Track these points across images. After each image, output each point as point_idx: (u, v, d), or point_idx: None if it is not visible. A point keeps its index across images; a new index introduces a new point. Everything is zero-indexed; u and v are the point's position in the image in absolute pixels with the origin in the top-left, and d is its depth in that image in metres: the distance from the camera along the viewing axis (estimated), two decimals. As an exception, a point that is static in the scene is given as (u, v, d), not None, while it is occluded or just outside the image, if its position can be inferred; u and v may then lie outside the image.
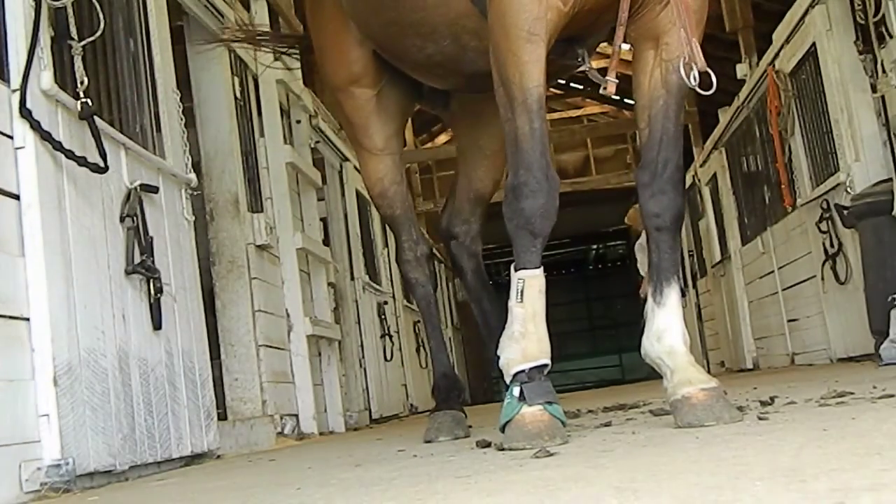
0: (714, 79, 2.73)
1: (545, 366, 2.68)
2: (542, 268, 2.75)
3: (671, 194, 2.82)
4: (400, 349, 10.36)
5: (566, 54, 3.08)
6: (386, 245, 10.77)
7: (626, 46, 3.00)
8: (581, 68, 3.14)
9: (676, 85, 2.82)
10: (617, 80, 3.00)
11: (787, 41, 7.98)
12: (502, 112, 2.85)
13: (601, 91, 3.09)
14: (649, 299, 2.84)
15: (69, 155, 3.25)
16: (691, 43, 2.70)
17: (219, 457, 4.39)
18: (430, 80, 3.86)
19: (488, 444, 2.83)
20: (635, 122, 3.05)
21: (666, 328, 2.78)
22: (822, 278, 7.85)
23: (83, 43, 3.49)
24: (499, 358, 2.76)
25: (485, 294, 4.05)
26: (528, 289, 2.71)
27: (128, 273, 3.67)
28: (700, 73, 2.70)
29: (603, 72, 2.96)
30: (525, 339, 2.68)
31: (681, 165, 2.88)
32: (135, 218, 3.75)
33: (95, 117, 3.46)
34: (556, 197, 2.76)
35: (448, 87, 3.90)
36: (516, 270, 2.75)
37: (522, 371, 2.65)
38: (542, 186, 2.72)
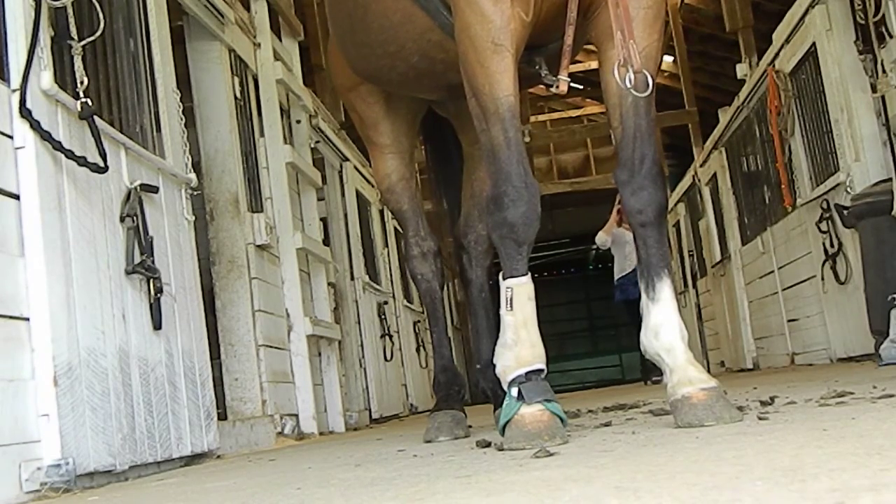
0: (651, 81, 2.75)
1: (540, 370, 2.69)
2: (529, 274, 2.77)
3: (651, 189, 2.83)
4: (400, 349, 10.36)
5: (528, 63, 3.10)
6: (386, 245, 10.78)
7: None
8: (545, 80, 3.16)
9: (644, 82, 2.82)
10: (569, 80, 3.02)
11: (787, 41, 7.99)
12: (476, 123, 2.88)
13: (553, 90, 3.10)
14: (643, 295, 2.85)
15: (69, 155, 3.25)
16: (628, 45, 2.71)
17: (219, 457, 4.39)
18: (414, 93, 3.90)
19: (488, 444, 2.83)
20: (608, 122, 3.06)
21: (662, 323, 2.78)
22: (822, 278, 7.86)
23: (83, 43, 3.49)
24: (496, 366, 2.78)
25: (482, 313, 4.04)
26: (517, 297, 2.73)
27: (128, 273, 3.67)
28: (636, 73, 2.72)
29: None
30: (518, 346, 2.70)
31: (658, 160, 2.88)
32: (135, 218, 3.75)
33: (95, 117, 3.47)
34: (537, 204, 2.77)
35: (434, 98, 3.95)
36: (504, 279, 2.77)
37: (519, 375, 2.66)
38: (521, 195, 2.74)
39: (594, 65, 13.40)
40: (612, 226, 11.27)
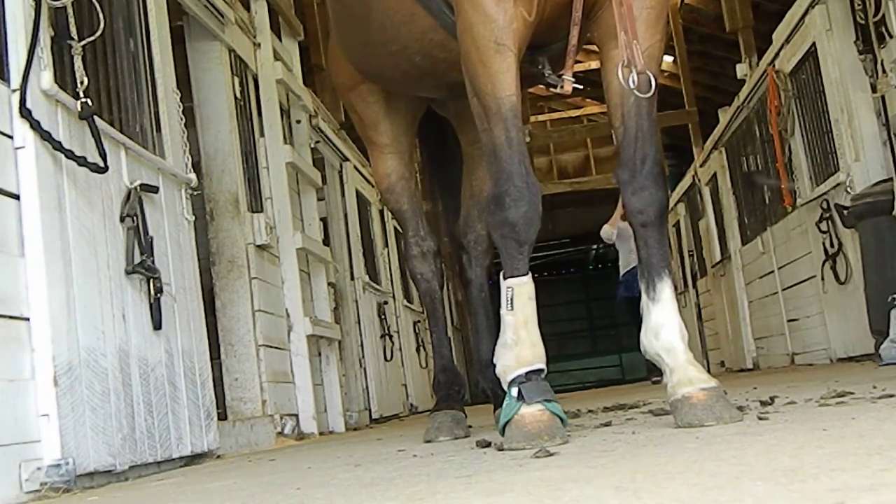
0: (654, 82, 2.76)
1: (541, 370, 2.69)
2: (529, 274, 2.77)
3: (652, 189, 2.83)
4: (400, 349, 10.36)
5: (531, 63, 3.10)
6: (386, 245, 10.77)
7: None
8: (549, 80, 3.16)
9: (647, 82, 2.82)
10: (574, 80, 3.02)
11: (787, 41, 7.99)
12: (478, 123, 2.88)
13: (558, 91, 3.10)
14: (643, 295, 2.85)
15: (69, 155, 3.25)
16: (632, 46, 2.72)
17: (219, 457, 4.39)
18: (416, 93, 3.90)
19: (488, 444, 2.83)
20: (609, 122, 3.06)
21: (663, 323, 2.79)
22: (822, 278, 7.86)
23: (83, 43, 3.49)
24: (496, 366, 2.78)
25: (482, 313, 4.04)
26: (518, 296, 2.74)
27: (128, 273, 3.67)
28: (639, 74, 2.72)
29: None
30: (518, 346, 2.70)
31: (659, 160, 2.89)
32: (135, 218, 3.75)
33: (95, 117, 3.47)
34: (538, 203, 2.77)
35: (435, 96, 3.95)
36: (505, 279, 2.77)
37: (519, 375, 2.66)
38: (523, 195, 2.74)
39: (594, 65, 13.41)
40: (616, 220, 11.16)
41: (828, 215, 7.44)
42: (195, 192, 4.73)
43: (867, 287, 6.31)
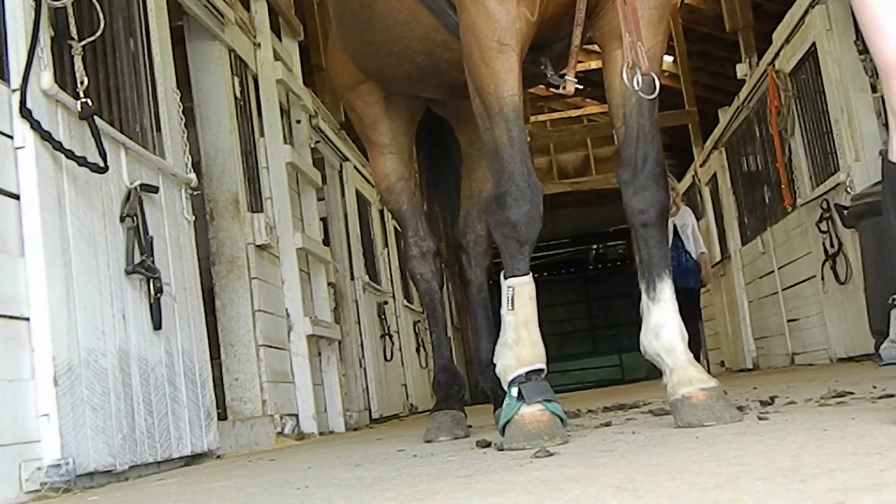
0: (658, 83, 2.76)
1: (541, 370, 2.69)
2: (530, 274, 2.78)
3: (653, 189, 2.84)
4: (400, 349, 10.36)
5: (533, 63, 3.10)
6: (386, 245, 10.77)
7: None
8: (551, 81, 3.17)
9: (651, 83, 2.82)
10: (576, 80, 3.03)
11: (787, 41, 7.99)
12: (480, 122, 2.89)
13: (560, 91, 3.11)
14: (643, 296, 2.86)
15: (69, 155, 3.25)
16: (636, 46, 2.72)
17: (219, 457, 4.39)
18: (417, 93, 3.91)
19: (488, 444, 2.83)
20: (611, 122, 3.07)
21: (663, 324, 2.79)
22: (822, 278, 7.86)
23: (83, 43, 3.49)
24: (496, 366, 2.78)
25: (481, 313, 4.04)
26: (519, 296, 2.74)
27: (128, 273, 3.67)
28: (644, 76, 2.72)
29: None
30: (518, 346, 2.71)
31: (660, 160, 2.89)
32: (135, 218, 3.75)
33: (95, 117, 3.47)
34: (539, 203, 2.78)
35: (436, 97, 3.95)
36: (506, 279, 2.77)
37: (519, 375, 2.66)
38: (524, 194, 2.75)
39: (594, 65, 13.40)
40: None
41: (828, 215, 7.43)
42: (195, 192, 4.73)
43: (867, 287, 6.31)
